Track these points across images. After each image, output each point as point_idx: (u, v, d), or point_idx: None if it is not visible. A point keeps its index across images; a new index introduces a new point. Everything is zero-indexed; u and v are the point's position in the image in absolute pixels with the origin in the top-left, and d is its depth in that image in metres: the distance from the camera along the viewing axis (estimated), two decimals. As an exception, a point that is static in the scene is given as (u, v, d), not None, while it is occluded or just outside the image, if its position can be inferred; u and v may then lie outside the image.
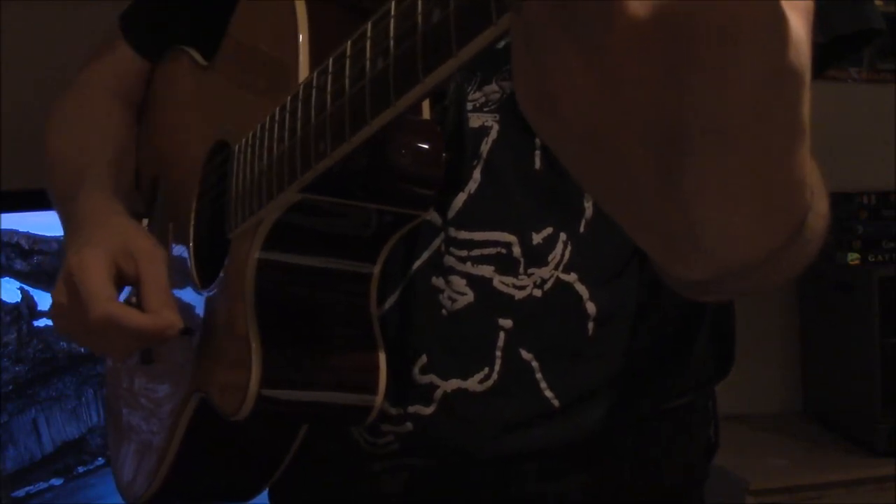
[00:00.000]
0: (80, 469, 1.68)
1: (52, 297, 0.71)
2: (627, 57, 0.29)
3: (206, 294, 0.69)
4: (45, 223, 1.66)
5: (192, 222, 0.74)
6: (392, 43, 0.41)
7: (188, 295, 0.73)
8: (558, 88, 0.31)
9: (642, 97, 0.30)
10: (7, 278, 1.62)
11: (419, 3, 0.38)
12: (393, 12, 0.41)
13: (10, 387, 1.62)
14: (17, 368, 1.63)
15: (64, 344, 1.67)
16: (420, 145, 0.57)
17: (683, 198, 0.33)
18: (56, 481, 1.66)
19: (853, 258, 1.94)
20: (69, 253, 0.71)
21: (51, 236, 1.66)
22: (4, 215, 1.60)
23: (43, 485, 1.65)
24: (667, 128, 0.31)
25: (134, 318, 0.66)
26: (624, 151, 0.32)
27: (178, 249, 0.76)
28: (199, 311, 0.70)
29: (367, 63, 0.44)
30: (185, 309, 0.73)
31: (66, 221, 0.80)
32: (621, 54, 0.29)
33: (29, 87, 1.40)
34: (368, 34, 0.44)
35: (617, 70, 0.30)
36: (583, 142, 0.33)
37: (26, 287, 1.64)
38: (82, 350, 1.68)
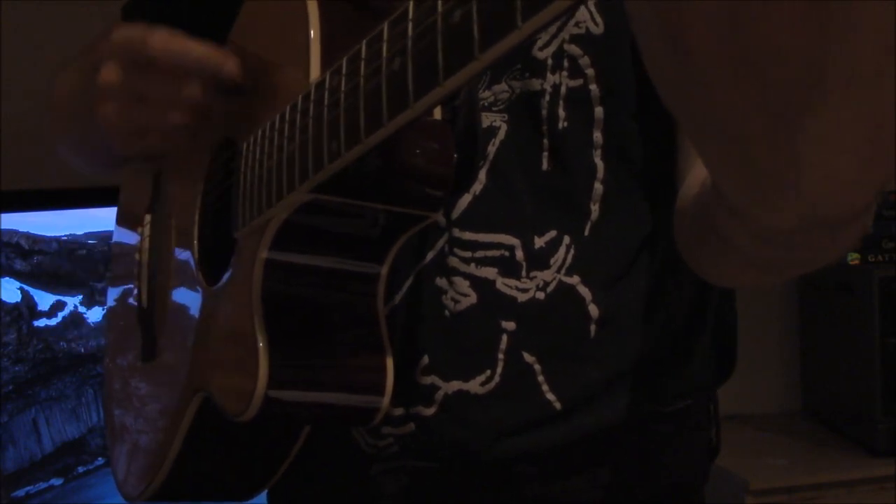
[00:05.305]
0: (80, 469, 1.68)
1: (99, 82, 0.67)
2: None
3: (210, 293, 0.69)
4: (45, 223, 1.66)
5: (197, 220, 0.74)
6: (411, 44, 0.41)
7: (191, 294, 0.72)
8: (688, 18, 0.30)
9: (778, 38, 0.29)
10: (7, 278, 1.62)
11: (439, 3, 0.38)
12: (411, 14, 0.40)
13: (10, 387, 1.62)
14: (17, 368, 1.63)
15: (64, 344, 1.66)
16: (432, 146, 0.57)
17: (795, 138, 0.32)
18: (56, 481, 1.66)
19: (853, 258, 1.94)
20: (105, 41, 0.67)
21: (51, 236, 1.66)
22: (4, 215, 1.60)
23: (43, 485, 1.64)
24: (797, 69, 0.30)
25: (195, 43, 0.63)
26: (744, 90, 0.31)
27: (182, 248, 0.76)
28: (204, 310, 0.70)
29: (384, 64, 0.43)
30: (189, 308, 0.73)
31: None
32: None
33: (29, 87, 1.40)
34: (385, 36, 0.43)
35: (753, 6, 0.28)
36: (701, 79, 0.32)
37: (26, 287, 1.64)
38: (82, 350, 1.68)
